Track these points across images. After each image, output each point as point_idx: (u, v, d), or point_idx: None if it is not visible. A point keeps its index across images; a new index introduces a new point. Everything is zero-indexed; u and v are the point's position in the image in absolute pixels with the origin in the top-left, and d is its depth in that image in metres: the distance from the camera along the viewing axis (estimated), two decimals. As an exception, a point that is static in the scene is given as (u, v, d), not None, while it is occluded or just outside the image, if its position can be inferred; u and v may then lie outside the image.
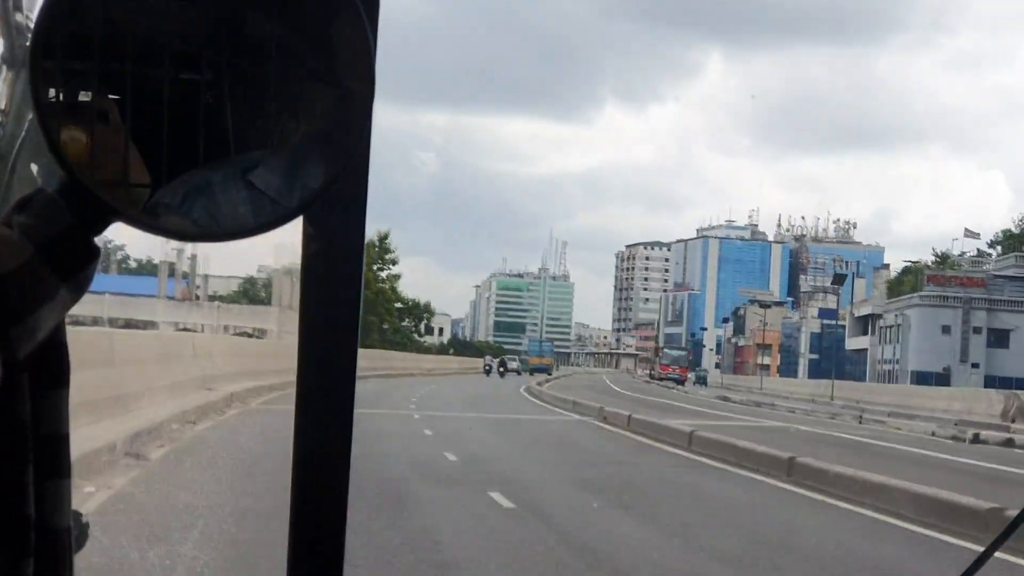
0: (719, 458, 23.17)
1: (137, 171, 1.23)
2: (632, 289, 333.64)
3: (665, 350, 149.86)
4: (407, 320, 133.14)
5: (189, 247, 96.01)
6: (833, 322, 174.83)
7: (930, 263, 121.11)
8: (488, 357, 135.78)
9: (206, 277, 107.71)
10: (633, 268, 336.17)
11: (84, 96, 1.22)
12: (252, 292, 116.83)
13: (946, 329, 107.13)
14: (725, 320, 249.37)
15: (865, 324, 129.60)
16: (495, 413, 37.36)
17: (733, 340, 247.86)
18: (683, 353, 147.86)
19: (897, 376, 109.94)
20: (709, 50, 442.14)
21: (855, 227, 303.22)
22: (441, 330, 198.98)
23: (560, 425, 33.14)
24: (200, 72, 1.23)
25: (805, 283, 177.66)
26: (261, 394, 39.15)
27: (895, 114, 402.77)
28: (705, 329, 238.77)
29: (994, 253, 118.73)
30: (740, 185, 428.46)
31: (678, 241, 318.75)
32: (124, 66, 1.21)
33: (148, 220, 1.23)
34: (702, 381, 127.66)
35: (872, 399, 69.85)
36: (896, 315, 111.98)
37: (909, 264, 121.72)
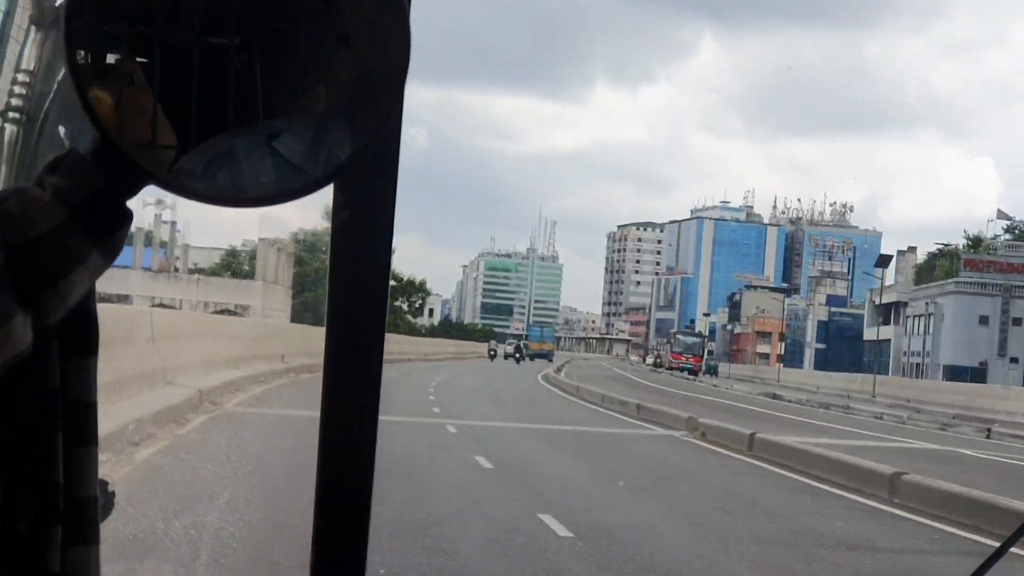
0: (959, 522, 14.52)
1: (165, 134, 1.20)
2: (624, 272, 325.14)
3: (678, 336, 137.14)
4: (400, 299, 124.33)
5: (168, 213, 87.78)
6: (842, 310, 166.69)
7: (961, 247, 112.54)
8: (493, 342, 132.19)
9: (186, 248, 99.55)
10: (625, 250, 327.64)
11: (112, 58, 1.20)
12: (235, 265, 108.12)
13: (983, 320, 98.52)
14: (732, 304, 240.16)
15: (888, 312, 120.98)
16: (548, 423, 28.66)
17: (729, 327, 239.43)
18: (698, 340, 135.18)
19: (927, 370, 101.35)
20: (702, 30, 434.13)
21: (851, 210, 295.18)
22: (431, 311, 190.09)
23: (648, 444, 24.42)
24: (229, 36, 1.21)
25: (813, 268, 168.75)
26: (241, 389, 30.77)
27: (886, 99, 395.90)
28: (708, 315, 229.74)
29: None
30: (731, 167, 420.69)
31: (671, 222, 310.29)
32: (153, 29, 1.19)
33: (181, 184, 1.20)
34: (713, 371, 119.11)
35: (927, 398, 61.22)
36: (927, 303, 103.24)
37: (942, 247, 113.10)
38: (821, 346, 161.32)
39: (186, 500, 11.74)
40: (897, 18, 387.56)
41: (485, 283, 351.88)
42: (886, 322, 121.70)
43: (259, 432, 20.96)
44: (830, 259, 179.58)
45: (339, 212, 1.52)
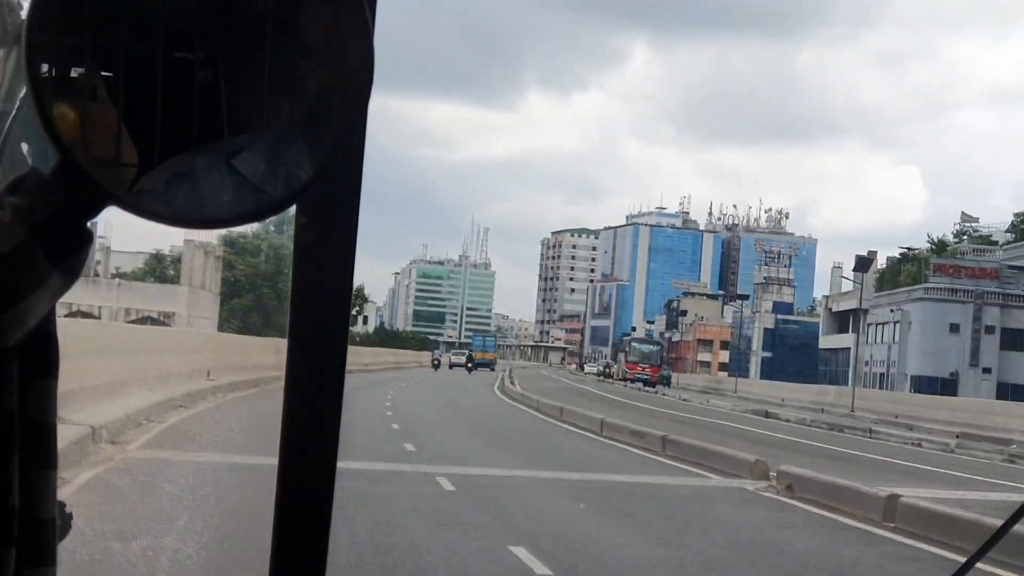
0: None
1: (128, 150, 1.18)
2: (558, 279, 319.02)
3: (634, 344, 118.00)
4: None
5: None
6: (789, 317, 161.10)
7: (924, 252, 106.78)
8: (437, 352, 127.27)
9: (107, 250, 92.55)
10: (559, 257, 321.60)
11: (76, 72, 1.17)
12: (160, 270, 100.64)
13: (954, 328, 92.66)
14: (671, 311, 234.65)
15: (845, 320, 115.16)
16: (566, 468, 21.67)
17: (667, 335, 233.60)
18: (655, 348, 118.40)
19: (893, 381, 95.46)
20: (634, 38, 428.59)
21: (787, 217, 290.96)
22: (366, 318, 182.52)
23: (727, 506, 17.43)
24: (194, 50, 1.18)
25: (759, 274, 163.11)
26: (155, 418, 23.86)
27: (815, 108, 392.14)
28: (652, 323, 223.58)
29: (998, 240, 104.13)
30: (663, 175, 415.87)
31: (607, 228, 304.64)
32: (117, 42, 1.16)
33: (143, 204, 1.17)
34: (666, 381, 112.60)
35: (920, 414, 55.04)
36: (892, 310, 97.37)
37: (906, 251, 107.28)
38: (767, 354, 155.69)
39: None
40: (827, 28, 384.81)
41: (417, 290, 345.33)
42: (843, 330, 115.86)
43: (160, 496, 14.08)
44: (788, 265, 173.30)
45: (302, 233, 1.49)
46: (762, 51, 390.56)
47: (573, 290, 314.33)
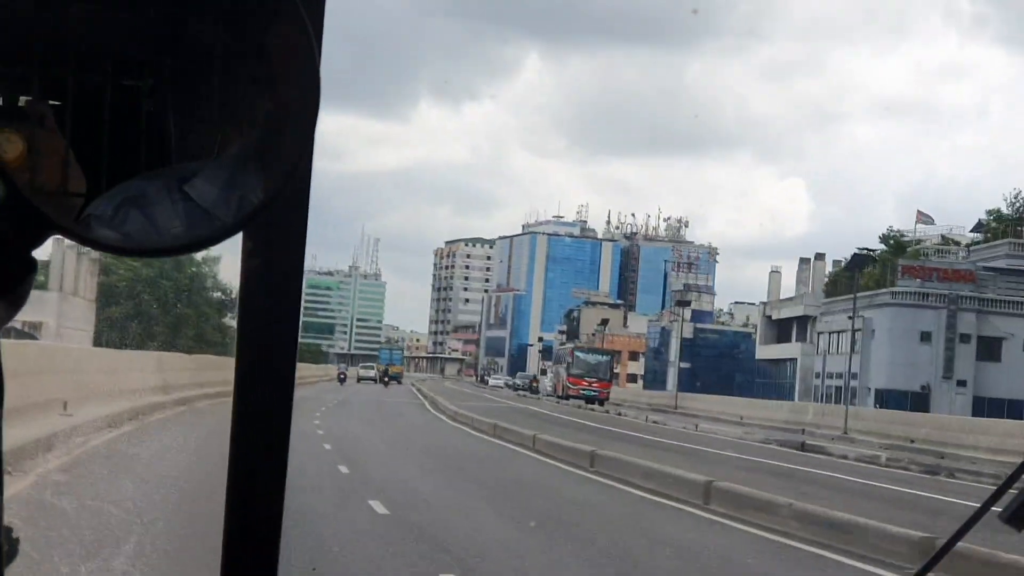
0: None
1: (75, 178, 1.16)
2: (452, 289, 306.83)
3: (578, 354, 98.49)
4: (230, 315, 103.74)
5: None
6: (709, 326, 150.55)
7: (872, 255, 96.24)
8: (343, 365, 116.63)
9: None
10: (453, 266, 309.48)
11: (23, 100, 1.15)
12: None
13: (925, 336, 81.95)
14: (570, 321, 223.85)
15: (787, 329, 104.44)
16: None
17: (569, 345, 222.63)
18: (604, 360, 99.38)
19: (856, 395, 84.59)
20: (527, 48, 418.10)
21: (687, 225, 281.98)
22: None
23: None
24: (141, 79, 1.17)
25: (676, 279, 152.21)
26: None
27: (705, 119, 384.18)
28: (564, 332, 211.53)
29: (962, 240, 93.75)
30: (554, 186, 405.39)
31: (502, 238, 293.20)
32: (65, 71, 1.14)
33: (87, 234, 1.14)
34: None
35: (947, 438, 43.97)
36: (851, 317, 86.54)
37: (864, 252, 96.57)
38: (686, 365, 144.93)
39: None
40: (716, 39, 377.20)
41: (307, 302, 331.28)
42: (783, 339, 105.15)
43: None
44: (707, 272, 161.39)
45: (249, 259, 1.45)
46: (653, 62, 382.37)
47: (467, 300, 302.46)
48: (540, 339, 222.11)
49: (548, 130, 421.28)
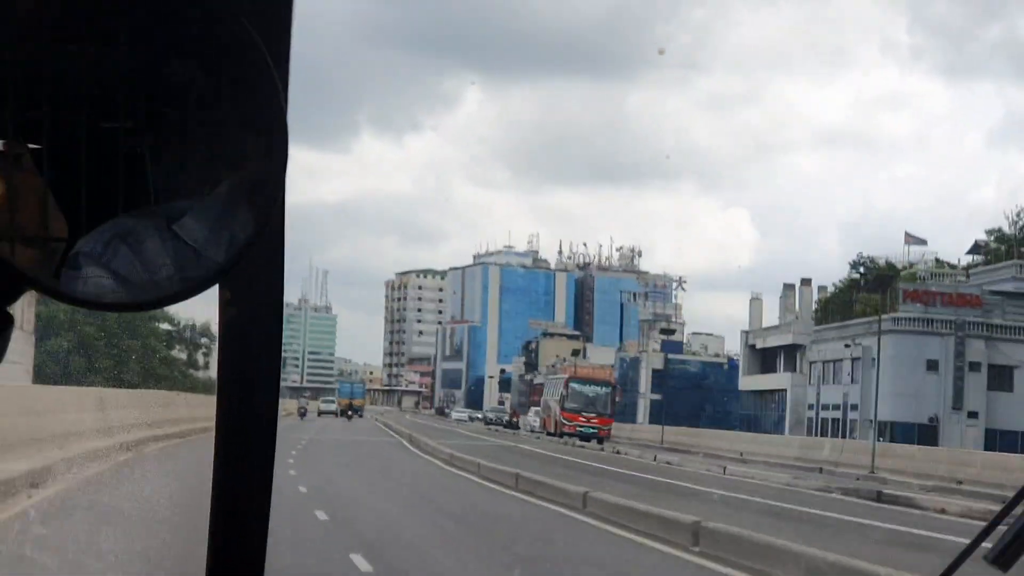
0: None
1: (55, 221, 1.14)
2: (405, 321, 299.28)
3: (573, 384, 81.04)
4: (178, 347, 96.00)
5: None
6: (680, 356, 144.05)
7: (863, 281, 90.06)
8: (303, 400, 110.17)
9: None
10: (405, 298, 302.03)
11: (2, 144, 1.14)
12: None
13: (932, 365, 75.58)
14: (528, 352, 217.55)
15: (772, 358, 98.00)
16: None
17: (528, 377, 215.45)
18: (605, 391, 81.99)
19: (856, 428, 78.17)
20: (467, 80, 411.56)
21: (640, 255, 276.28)
22: (208, 363, 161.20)
23: None
24: (118, 120, 1.16)
25: (644, 310, 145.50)
26: None
27: (647, 150, 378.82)
28: (537, 365, 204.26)
29: (961, 262, 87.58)
30: (498, 218, 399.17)
31: (453, 269, 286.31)
32: (41, 113, 1.13)
33: (64, 289, 1.13)
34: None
35: (984, 477, 37.61)
36: (848, 345, 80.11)
37: (861, 274, 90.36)
38: (656, 396, 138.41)
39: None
40: (657, 71, 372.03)
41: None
42: (768, 369, 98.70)
43: None
44: (674, 301, 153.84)
45: (226, 309, 1.43)
46: (593, 93, 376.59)
47: (421, 332, 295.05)
48: (503, 371, 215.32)
49: (491, 161, 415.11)
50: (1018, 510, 1.93)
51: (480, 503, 24.87)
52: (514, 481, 27.22)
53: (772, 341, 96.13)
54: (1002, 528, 1.93)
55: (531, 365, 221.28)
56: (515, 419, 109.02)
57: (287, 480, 25.57)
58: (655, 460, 50.40)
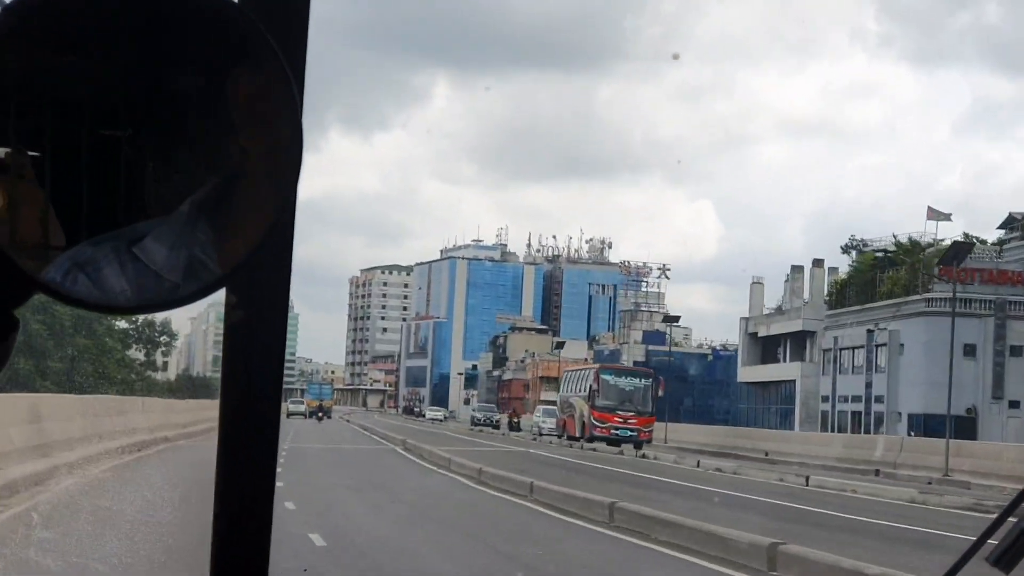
0: None
1: (54, 231, 1.13)
2: (369, 319, 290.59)
3: (606, 377, 66.67)
4: (136, 347, 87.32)
5: None
6: (661, 348, 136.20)
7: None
8: None
9: None
10: (370, 295, 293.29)
11: (3, 152, 1.13)
12: None
13: (969, 350, 67.91)
14: (496, 347, 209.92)
15: (774, 347, 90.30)
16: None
17: (496, 373, 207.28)
18: (645, 383, 67.44)
19: (883, 422, 70.49)
20: (436, 75, 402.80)
21: (610, 247, 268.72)
22: (166, 364, 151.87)
23: None
24: (120, 128, 1.15)
25: (626, 299, 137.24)
26: None
27: (616, 143, 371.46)
28: (522, 359, 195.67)
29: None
30: (466, 215, 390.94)
31: (420, 264, 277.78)
32: (43, 121, 1.13)
33: (71, 292, 1.12)
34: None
35: None
36: (871, 331, 72.42)
37: (881, 254, 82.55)
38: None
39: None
40: (627, 63, 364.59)
41: (217, 335, 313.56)
42: (769, 359, 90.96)
43: None
44: (657, 289, 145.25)
45: (232, 313, 1.44)
46: (563, 87, 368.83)
47: (385, 330, 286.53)
48: (474, 366, 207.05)
49: (458, 157, 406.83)
50: (1022, 510, 1.84)
51: (600, 556, 16.75)
52: (607, 514, 19.12)
53: (777, 328, 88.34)
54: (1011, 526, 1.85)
55: (499, 361, 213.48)
56: (515, 419, 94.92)
57: (286, 516, 17.56)
58: (698, 467, 42.45)
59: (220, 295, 1.31)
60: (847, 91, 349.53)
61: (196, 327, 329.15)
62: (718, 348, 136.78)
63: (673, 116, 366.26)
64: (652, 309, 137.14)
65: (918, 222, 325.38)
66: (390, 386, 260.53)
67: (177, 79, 1.15)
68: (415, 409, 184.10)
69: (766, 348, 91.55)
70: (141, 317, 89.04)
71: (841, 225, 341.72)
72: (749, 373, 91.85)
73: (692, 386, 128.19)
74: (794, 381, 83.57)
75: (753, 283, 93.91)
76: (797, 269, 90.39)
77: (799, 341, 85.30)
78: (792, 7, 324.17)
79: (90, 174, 1.14)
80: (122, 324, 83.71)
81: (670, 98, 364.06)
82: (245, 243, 1.15)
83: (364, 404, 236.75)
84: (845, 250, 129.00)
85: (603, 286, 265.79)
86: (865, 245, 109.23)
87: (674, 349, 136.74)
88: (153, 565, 12.26)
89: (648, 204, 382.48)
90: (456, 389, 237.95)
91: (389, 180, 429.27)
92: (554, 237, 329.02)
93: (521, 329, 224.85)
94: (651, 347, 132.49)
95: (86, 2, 1.13)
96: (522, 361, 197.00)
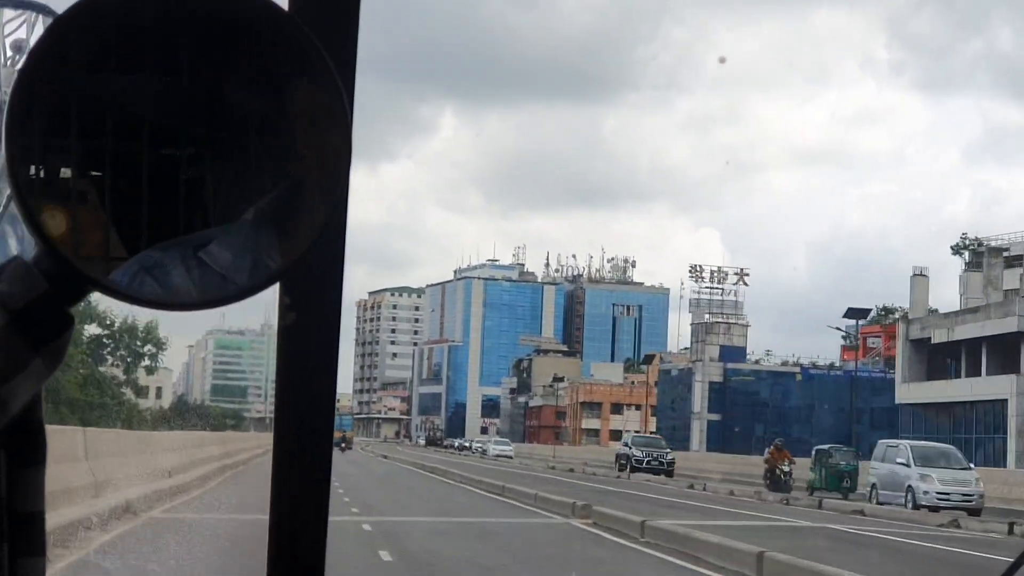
0: None
1: (115, 248, 1.14)
2: (378, 343, 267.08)
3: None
4: (113, 358, 63.25)
5: None
6: (739, 365, 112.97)
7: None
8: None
9: None
10: (379, 319, 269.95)
11: (65, 172, 1.14)
12: None
13: None
14: (520, 372, 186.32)
15: (946, 356, 66.80)
16: None
17: (522, 399, 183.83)
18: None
19: None
20: (443, 106, 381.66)
21: (634, 266, 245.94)
22: (160, 390, 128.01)
23: None
24: (180, 147, 1.16)
25: (698, 313, 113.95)
26: None
27: (623, 172, 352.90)
28: (557, 381, 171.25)
29: None
30: (471, 243, 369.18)
31: (431, 285, 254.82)
32: (104, 142, 1.13)
33: (127, 289, 1.13)
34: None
35: None
36: None
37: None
38: (714, 416, 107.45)
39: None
40: (635, 92, 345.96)
41: (216, 363, 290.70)
42: (938, 373, 67.46)
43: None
44: (735, 298, 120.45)
45: (286, 314, 1.43)
46: (571, 117, 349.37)
47: (396, 355, 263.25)
48: (514, 391, 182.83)
49: (465, 187, 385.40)
50: None
51: None
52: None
53: (965, 331, 64.75)
54: None
55: (523, 386, 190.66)
56: (782, 467, 46.89)
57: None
58: None
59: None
60: (857, 118, 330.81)
61: (194, 355, 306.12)
62: (806, 365, 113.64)
63: (680, 144, 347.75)
64: (730, 320, 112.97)
65: (920, 248, 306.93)
66: (403, 414, 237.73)
67: (237, 95, 1.15)
68: (441, 440, 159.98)
69: (934, 359, 68.08)
70: (118, 321, 65.64)
71: (845, 253, 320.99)
72: (915, 391, 68.19)
73: (784, 411, 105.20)
74: (1002, 401, 60.05)
75: (915, 276, 70.71)
76: (994, 252, 66.93)
77: (999, 348, 61.90)
78: (804, 36, 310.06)
79: (151, 193, 1.14)
80: (94, 330, 60.42)
81: (679, 127, 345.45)
82: (300, 244, 1.16)
83: (377, 433, 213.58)
84: (956, 250, 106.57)
85: (627, 307, 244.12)
86: (978, 243, 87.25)
87: (756, 367, 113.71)
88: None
89: (653, 231, 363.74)
90: (474, 417, 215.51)
91: (393, 209, 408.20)
92: (574, 256, 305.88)
93: (547, 352, 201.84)
94: (730, 365, 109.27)
95: (142, 20, 1.12)
96: (550, 386, 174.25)
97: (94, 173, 1.14)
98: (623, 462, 63.15)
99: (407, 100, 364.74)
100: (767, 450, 45.36)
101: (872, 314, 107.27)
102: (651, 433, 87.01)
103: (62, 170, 1.13)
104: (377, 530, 21.68)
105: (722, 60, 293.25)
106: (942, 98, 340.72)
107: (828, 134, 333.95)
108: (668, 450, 64.42)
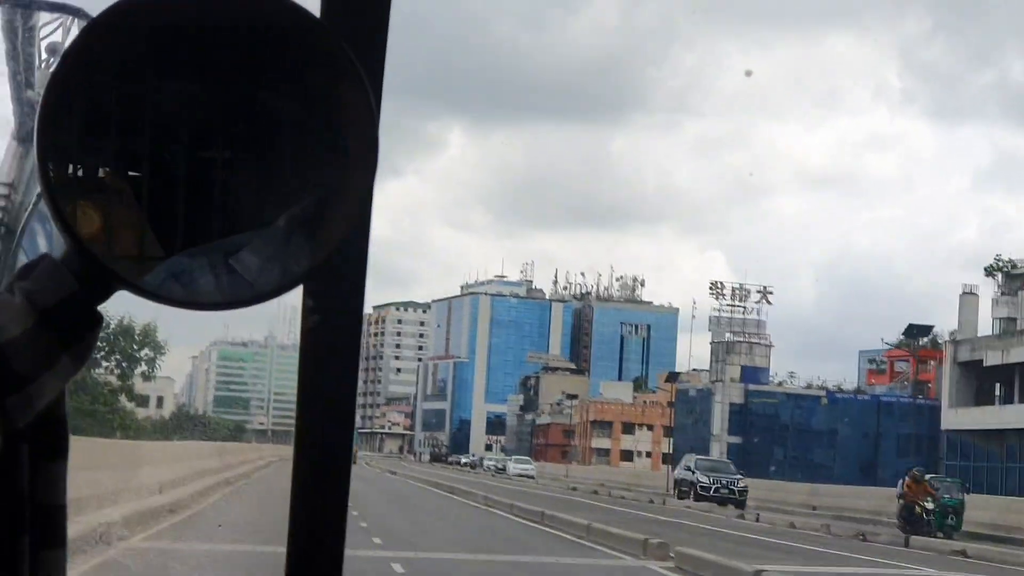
0: None
1: (150, 247, 1.15)
2: (382, 358, 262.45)
3: None
4: (109, 363, 58.55)
5: None
6: (762, 387, 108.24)
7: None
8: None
9: None
10: (383, 333, 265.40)
11: (100, 172, 1.15)
12: None
13: None
14: (527, 389, 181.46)
15: (995, 379, 62.22)
16: None
17: (529, 417, 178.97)
18: None
19: None
20: (451, 124, 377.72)
21: (643, 285, 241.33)
22: (161, 399, 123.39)
23: None
24: (215, 149, 1.17)
25: (718, 331, 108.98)
26: None
27: (630, 193, 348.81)
28: (522, 407, 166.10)
29: None
30: (477, 262, 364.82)
31: (437, 300, 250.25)
32: (142, 142, 1.14)
33: (155, 289, 1.14)
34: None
35: None
36: None
37: None
38: (735, 439, 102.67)
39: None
40: (645, 115, 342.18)
41: (219, 374, 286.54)
42: (984, 398, 62.85)
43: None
44: (757, 316, 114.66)
45: (309, 316, 1.44)
46: (579, 137, 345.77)
47: (400, 370, 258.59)
48: (522, 408, 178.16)
49: (471, 205, 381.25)
50: None
51: None
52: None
53: (1015, 355, 60.21)
54: None
55: (530, 403, 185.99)
56: (922, 504, 38.05)
57: None
58: None
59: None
60: (867, 145, 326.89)
61: (197, 365, 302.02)
62: (832, 389, 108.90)
63: (689, 166, 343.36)
64: (752, 340, 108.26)
65: (929, 272, 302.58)
66: (407, 429, 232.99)
67: (269, 100, 1.16)
68: (446, 456, 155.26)
69: (983, 383, 63.50)
70: (113, 322, 60.97)
71: (849, 276, 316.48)
72: (963, 417, 63.53)
73: (806, 435, 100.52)
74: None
75: (964, 294, 66.11)
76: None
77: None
78: (816, 62, 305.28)
79: (187, 193, 1.14)
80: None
81: (688, 149, 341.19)
82: (326, 247, 1.16)
83: (380, 449, 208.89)
84: (989, 272, 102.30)
85: (636, 326, 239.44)
86: (1012, 265, 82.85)
87: (779, 389, 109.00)
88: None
89: (658, 253, 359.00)
90: (478, 434, 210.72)
91: (399, 227, 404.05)
92: (582, 275, 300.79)
93: (555, 369, 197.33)
94: (751, 386, 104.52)
95: (174, 25, 1.12)
96: (558, 404, 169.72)
97: (132, 173, 1.13)
98: (684, 488, 56.29)
99: (415, 118, 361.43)
100: (901, 482, 38.48)
101: (898, 336, 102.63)
102: (719, 458, 78.23)
103: (97, 170, 1.13)
104: (412, 572, 17.16)
105: (748, 73, 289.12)
106: (953, 126, 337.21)
107: (836, 159, 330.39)
108: (739, 475, 56.81)
